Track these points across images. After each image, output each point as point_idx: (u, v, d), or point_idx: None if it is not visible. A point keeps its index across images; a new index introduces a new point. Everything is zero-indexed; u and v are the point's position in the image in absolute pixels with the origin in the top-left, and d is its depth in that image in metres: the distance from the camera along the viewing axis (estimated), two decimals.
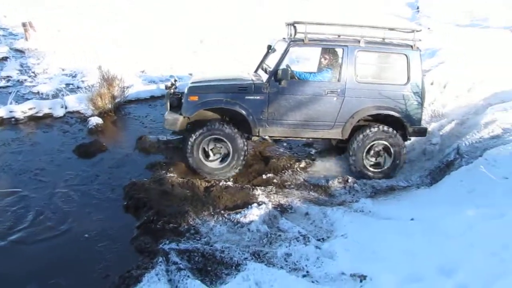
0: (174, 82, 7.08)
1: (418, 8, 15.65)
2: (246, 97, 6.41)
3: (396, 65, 6.69)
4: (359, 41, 6.51)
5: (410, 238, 4.74)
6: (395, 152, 6.77)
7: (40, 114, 8.52)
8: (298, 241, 4.91)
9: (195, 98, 6.39)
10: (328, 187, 6.48)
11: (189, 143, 6.42)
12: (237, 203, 5.75)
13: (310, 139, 7.59)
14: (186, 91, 6.54)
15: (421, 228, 4.94)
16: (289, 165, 7.13)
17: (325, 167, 7.26)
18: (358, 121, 6.71)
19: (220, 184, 6.12)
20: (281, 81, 6.32)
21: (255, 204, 5.58)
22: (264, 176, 6.65)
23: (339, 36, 6.84)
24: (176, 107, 6.72)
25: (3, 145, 7.28)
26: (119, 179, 6.35)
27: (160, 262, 4.39)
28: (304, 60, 8.41)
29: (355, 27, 6.69)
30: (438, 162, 7.08)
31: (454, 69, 9.00)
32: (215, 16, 15.32)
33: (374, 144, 6.78)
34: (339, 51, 6.62)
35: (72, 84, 10.59)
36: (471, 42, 10.43)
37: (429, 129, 7.71)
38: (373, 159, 6.93)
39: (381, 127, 6.69)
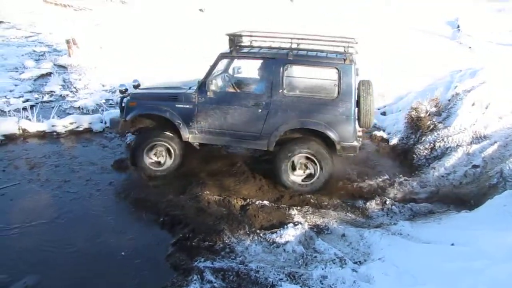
0: (127, 88, 7.44)
1: (458, 26, 15.35)
2: (177, 105, 6.74)
3: (326, 78, 6.55)
4: (288, 54, 6.43)
5: (452, 263, 4.60)
6: (321, 165, 6.55)
7: (80, 129, 8.78)
8: (334, 263, 4.82)
9: (134, 103, 6.93)
10: (365, 208, 6.34)
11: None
12: (273, 222, 5.68)
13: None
14: (128, 96, 7.11)
15: (463, 253, 4.79)
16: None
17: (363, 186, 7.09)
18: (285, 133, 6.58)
19: (256, 203, 6.06)
20: (207, 91, 6.58)
21: (291, 224, 5.51)
22: (300, 196, 6.53)
23: (270, 47, 6.73)
24: None
25: (44, 157, 7.51)
26: (156, 195, 6.31)
27: (195, 280, 4.37)
28: (245, 69, 8.25)
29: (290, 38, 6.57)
30: (480, 186, 6.87)
31: (497, 90, 8.77)
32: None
33: (299, 157, 6.61)
34: (267, 63, 6.59)
35: (111, 99, 10.85)
36: None
37: (470, 151, 7.50)
38: (301, 172, 6.73)
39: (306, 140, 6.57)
